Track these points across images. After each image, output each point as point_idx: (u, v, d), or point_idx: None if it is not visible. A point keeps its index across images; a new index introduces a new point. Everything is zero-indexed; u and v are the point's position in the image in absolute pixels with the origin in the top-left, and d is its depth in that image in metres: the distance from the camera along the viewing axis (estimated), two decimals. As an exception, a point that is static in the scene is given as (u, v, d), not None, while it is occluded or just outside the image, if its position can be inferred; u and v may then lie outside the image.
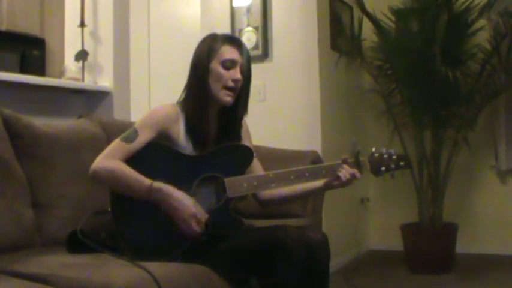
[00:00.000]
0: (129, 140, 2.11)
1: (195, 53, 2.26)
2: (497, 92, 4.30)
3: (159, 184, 2.02)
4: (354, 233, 4.81)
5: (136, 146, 2.10)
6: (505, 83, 4.27)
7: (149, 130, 2.14)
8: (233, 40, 2.24)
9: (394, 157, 2.24)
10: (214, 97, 2.19)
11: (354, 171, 2.15)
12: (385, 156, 2.24)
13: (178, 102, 2.25)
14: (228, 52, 2.19)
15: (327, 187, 2.23)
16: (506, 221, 4.62)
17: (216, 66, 2.18)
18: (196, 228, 2.01)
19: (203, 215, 2.03)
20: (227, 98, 2.19)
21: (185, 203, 2.02)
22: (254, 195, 2.34)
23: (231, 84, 2.17)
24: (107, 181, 2.08)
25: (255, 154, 2.26)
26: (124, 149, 2.10)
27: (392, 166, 2.24)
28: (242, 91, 2.24)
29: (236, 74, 2.18)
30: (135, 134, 2.12)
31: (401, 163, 2.25)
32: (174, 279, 1.82)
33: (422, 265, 4.23)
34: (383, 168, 2.22)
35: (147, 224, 2.07)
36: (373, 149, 2.25)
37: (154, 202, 2.03)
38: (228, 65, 2.18)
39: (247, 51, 2.27)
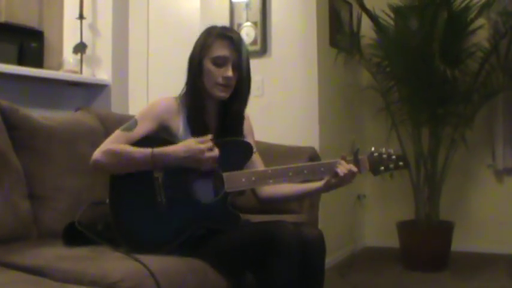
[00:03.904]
0: (128, 129, 2.13)
1: (193, 48, 2.26)
2: (495, 91, 4.31)
3: (158, 148, 2.04)
4: (350, 230, 4.82)
5: (135, 135, 2.11)
6: (503, 82, 4.27)
7: (149, 121, 2.15)
8: (226, 35, 2.21)
9: (394, 157, 2.24)
10: (208, 92, 2.20)
11: (351, 166, 2.15)
12: (384, 156, 2.23)
13: (179, 96, 2.26)
14: (219, 49, 2.18)
15: (327, 187, 2.21)
16: (502, 220, 4.63)
17: (207, 63, 2.18)
18: (213, 153, 2.04)
19: (209, 142, 2.06)
20: (221, 93, 2.19)
21: (189, 145, 2.05)
22: (254, 193, 2.34)
23: (222, 81, 2.17)
24: (109, 164, 2.08)
25: (254, 150, 2.26)
26: (123, 137, 2.11)
27: (391, 166, 2.24)
28: (240, 86, 2.23)
29: (227, 71, 2.17)
30: (135, 123, 2.14)
31: (400, 163, 2.25)
32: (170, 273, 1.82)
33: (418, 262, 4.25)
34: (382, 168, 2.22)
35: (145, 217, 2.07)
36: (373, 149, 2.25)
37: (160, 166, 2.04)
38: (219, 62, 2.18)
39: (244, 45, 2.25)
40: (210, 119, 2.25)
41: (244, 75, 2.24)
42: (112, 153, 2.07)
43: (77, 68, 4.04)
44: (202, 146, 2.03)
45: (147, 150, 2.04)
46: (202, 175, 2.11)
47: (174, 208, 2.06)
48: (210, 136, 2.08)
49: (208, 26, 2.29)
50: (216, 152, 2.06)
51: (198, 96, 2.21)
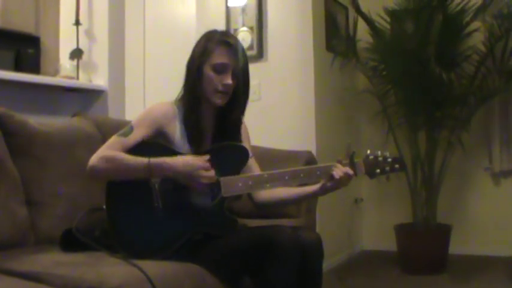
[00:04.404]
0: (123, 135, 2.13)
1: (191, 52, 2.26)
2: (491, 93, 4.32)
3: (155, 159, 2.03)
4: (348, 234, 4.82)
5: (131, 141, 2.11)
6: (499, 85, 4.28)
7: (145, 127, 2.15)
8: (227, 42, 2.21)
9: (389, 160, 2.24)
10: (206, 98, 2.20)
11: (347, 169, 2.15)
12: (380, 158, 2.23)
13: (176, 100, 2.26)
14: (220, 56, 2.18)
15: (323, 190, 2.21)
16: (499, 223, 4.63)
17: (207, 69, 2.18)
18: (210, 173, 2.03)
19: (206, 162, 2.05)
20: (218, 100, 2.19)
21: (187, 161, 2.04)
22: (250, 198, 2.33)
23: (221, 88, 2.17)
24: (105, 171, 2.07)
25: (250, 154, 2.26)
26: (119, 143, 2.11)
27: (387, 169, 2.24)
28: (238, 93, 2.23)
29: (226, 78, 2.17)
30: (130, 129, 2.13)
31: (396, 166, 2.25)
32: (167, 278, 1.82)
33: (416, 266, 4.25)
34: (378, 171, 2.22)
35: (142, 222, 2.07)
36: (368, 152, 2.25)
37: (156, 175, 2.04)
38: (219, 69, 2.17)
39: (244, 53, 2.25)
40: (206, 124, 2.25)
41: (243, 82, 2.24)
42: (108, 160, 2.06)
43: (74, 74, 4.03)
44: (200, 163, 2.04)
45: (144, 160, 2.03)
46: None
47: (171, 213, 2.05)
48: (207, 156, 2.07)
49: (207, 31, 2.29)
50: (212, 173, 2.05)
51: (196, 101, 2.21)
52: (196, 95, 2.20)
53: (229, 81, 2.17)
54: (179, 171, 2.03)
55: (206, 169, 2.04)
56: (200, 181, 2.03)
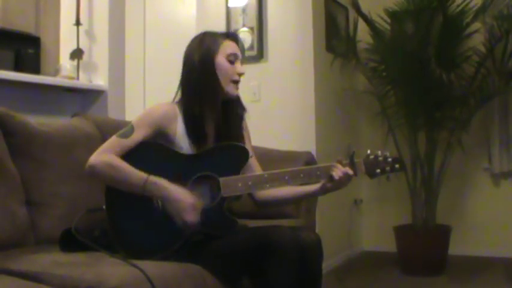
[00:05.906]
0: (124, 135, 2.12)
1: (200, 49, 2.22)
2: (491, 94, 4.32)
3: (154, 178, 2.03)
4: (347, 234, 4.82)
5: (131, 142, 2.11)
6: (499, 86, 4.28)
7: (145, 127, 2.14)
8: (232, 35, 2.29)
9: (389, 159, 2.24)
10: (222, 91, 2.20)
11: (347, 169, 2.14)
12: (380, 158, 2.23)
13: (176, 102, 2.25)
14: (230, 46, 2.22)
15: (323, 190, 2.21)
16: (499, 224, 4.63)
17: (221, 60, 2.19)
18: (195, 217, 2.03)
19: (200, 205, 2.05)
20: (235, 91, 2.23)
21: (182, 194, 2.04)
22: (250, 196, 2.33)
23: (236, 77, 2.21)
24: (103, 175, 2.07)
25: (250, 154, 2.26)
26: (119, 145, 2.10)
27: (388, 169, 2.23)
28: None
29: (239, 67, 2.21)
30: (131, 130, 2.13)
31: (397, 166, 2.25)
32: (167, 278, 1.82)
33: (415, 267, 4.25)
34: (378, 171, 2.22)
35: (141, 222, 2.07)
36: (368, 151, 2.24)
37: (149, 195, 2.04)
38: (232, 59, 2.21)
39: (243, 45, 2.30)
40: (208, 124, 2.24)
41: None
42: (109, 165, 2.06)
43: (74, 74, 4.03)
44: (192, 201, 2.04)
45: (142, 178, 2.03)
46: (199, 180, 2.11)
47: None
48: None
49: (201, 32, 2.30)
50: (195, 217, 2.04)
51: (216, 94, 2.19)
52: (215, 87, 2.19)
53: (243, 69, 2.19)
54: (170, 199, 2.03)
55: (196, 211, 2.04)
56: (183, 218, 2.03)
